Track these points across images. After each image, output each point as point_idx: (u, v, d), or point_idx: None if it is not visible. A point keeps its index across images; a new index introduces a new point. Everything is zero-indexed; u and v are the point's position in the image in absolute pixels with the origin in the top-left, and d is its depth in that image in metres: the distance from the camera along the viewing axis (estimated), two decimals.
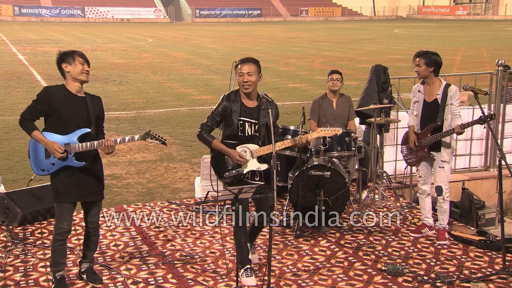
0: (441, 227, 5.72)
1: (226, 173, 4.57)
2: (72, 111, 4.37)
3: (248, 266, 4.78)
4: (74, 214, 4.72)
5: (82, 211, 4.75)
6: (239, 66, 4.62)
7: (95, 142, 4.37)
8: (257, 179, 4.70)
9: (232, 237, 5.27)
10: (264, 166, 4.64)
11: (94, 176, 4.54)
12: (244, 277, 4.72)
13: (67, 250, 5.26)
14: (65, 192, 4.43)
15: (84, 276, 4.74)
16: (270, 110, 4.39)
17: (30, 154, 4.44)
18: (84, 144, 4.35)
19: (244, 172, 4.60)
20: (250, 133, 4.66)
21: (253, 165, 4.62)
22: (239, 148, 4.61)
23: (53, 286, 4.56)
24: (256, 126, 4.65)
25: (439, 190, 5.63)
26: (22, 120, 4.36)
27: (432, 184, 5.75)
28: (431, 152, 5.62)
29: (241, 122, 4.62)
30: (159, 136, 4.54)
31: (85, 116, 4.42)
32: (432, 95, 5.57)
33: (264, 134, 4.63)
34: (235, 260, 4.64)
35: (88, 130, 4.41)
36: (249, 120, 4.64)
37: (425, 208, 5.84)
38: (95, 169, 4.55)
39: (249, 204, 4.72)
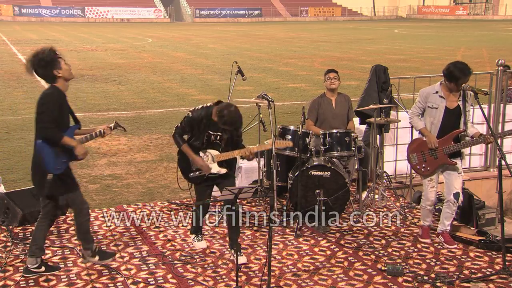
0: (445, 230, 5.60)
1: (191, 174, 5.25)
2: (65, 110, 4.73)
3: (200, 232, 5.50)
4: (69, 211, 5.15)
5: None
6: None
7: (93, 133, 4.82)
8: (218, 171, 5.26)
9: None
10: (223, 170, 5.20)
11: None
12: (196, 241, 5.44)
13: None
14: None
15: (96, 258, 4.96)
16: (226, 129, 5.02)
17: (45, 157, 4.55)
18: (84, 137, 4.78)
19: (206, 174, 5.21)
20: (213, 140, 5.20)
21: (214, 169, 5.21)
22: (201, 153, 5.20)
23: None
24: (218, 136, 5.18)
25: (457, 196, 5.48)
26: (45, 131, 4.55)
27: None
28: (453, 160, 5.42)
29: (207, 134, 5.17)
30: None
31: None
32: (454, 101, 5.38)
33: (226, 142, 5.19)
34: (235, 261, 4.63)
35: (78, 126, 4.82)
36: (214, 133, 5.18)
37: (429, 217, 5.71)
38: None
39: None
